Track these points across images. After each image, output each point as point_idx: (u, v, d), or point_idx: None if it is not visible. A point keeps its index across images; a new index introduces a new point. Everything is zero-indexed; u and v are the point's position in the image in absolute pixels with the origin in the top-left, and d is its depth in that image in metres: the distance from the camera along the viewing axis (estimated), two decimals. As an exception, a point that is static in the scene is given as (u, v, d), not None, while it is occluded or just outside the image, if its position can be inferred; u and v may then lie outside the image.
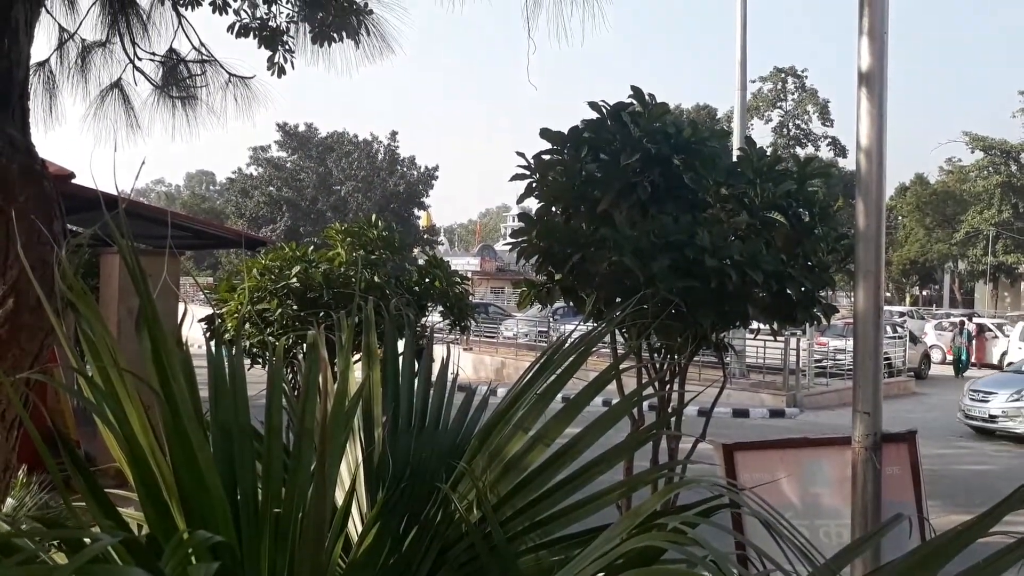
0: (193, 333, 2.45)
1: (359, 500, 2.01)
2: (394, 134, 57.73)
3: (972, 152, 52.80)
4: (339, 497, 1.88)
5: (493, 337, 27.92)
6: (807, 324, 4.73)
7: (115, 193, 2.01)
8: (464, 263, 51.85)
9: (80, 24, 7.30)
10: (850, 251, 4.39)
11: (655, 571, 1.43)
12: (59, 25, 7.43)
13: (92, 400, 1.70)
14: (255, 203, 56.39)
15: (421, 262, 9.21)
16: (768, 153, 4.77)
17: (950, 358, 29.56)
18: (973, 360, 28.66)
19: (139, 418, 1.67)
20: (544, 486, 1.99)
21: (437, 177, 58.40)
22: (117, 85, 7.85)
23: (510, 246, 5.09)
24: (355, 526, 1.95)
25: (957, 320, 31.13)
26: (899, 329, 26.21)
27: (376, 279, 7.71)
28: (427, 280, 8.57)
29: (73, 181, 8.42)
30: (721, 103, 61.76)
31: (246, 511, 1.68)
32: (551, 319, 25.94)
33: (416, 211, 58.77)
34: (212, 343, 2.04)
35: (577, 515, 1.96)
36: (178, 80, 7.97)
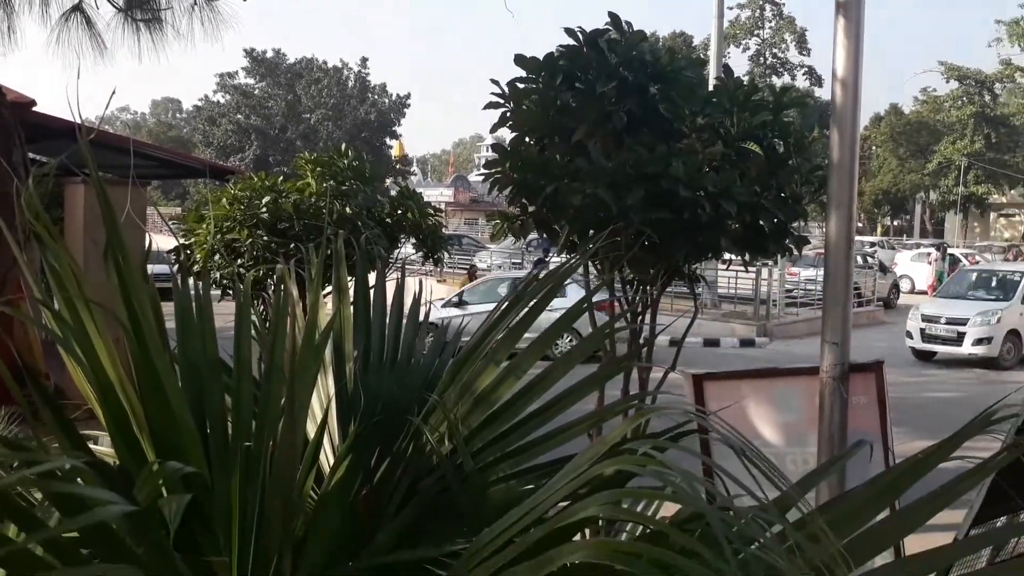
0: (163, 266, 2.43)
1: (331, 434, 2.02)
2: (364, 61, 56.73)
3: (947, 82, 52.83)
4: (311, 431, 1.88)
5: (467, 269, 27.92)
6: (779, 255, 4.76)
7: (78, 121, 1.95)
8: (437, 194, 51.48)
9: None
10: (824, 183, 4.39)
11: (620, 493, 1.45)
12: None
13: (58, 333, 1.67)
14: (223, 131, 55.39)
15: (393, 193, 9.11)
16: (745, 83, 4.72)
17: (921, 288, 30.24)
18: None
19: (107, 351, 1.65)
20: (515, 418, 2.00)
21: (409, 105, 57.67)
22: (79, 8, 7.60)
23: (483, 177, 5.04)
24: (327, 459, 1.95)
25: (940, 249, 31.76)
26: (869, 259, 26.56)
27: (347, 211, 7.63)
28: (399, 212, 8.50)
29: (34, 109, 8.19)
30: (698, 31, 61.09)
31: (216, 444, 1.67)
32: (525, 250, 25.97)
33: (388, 140, 58.06)
34: (179, 276, 2.01)
35: (547, 446, 1.98)
36: (142, 2, 7.72)
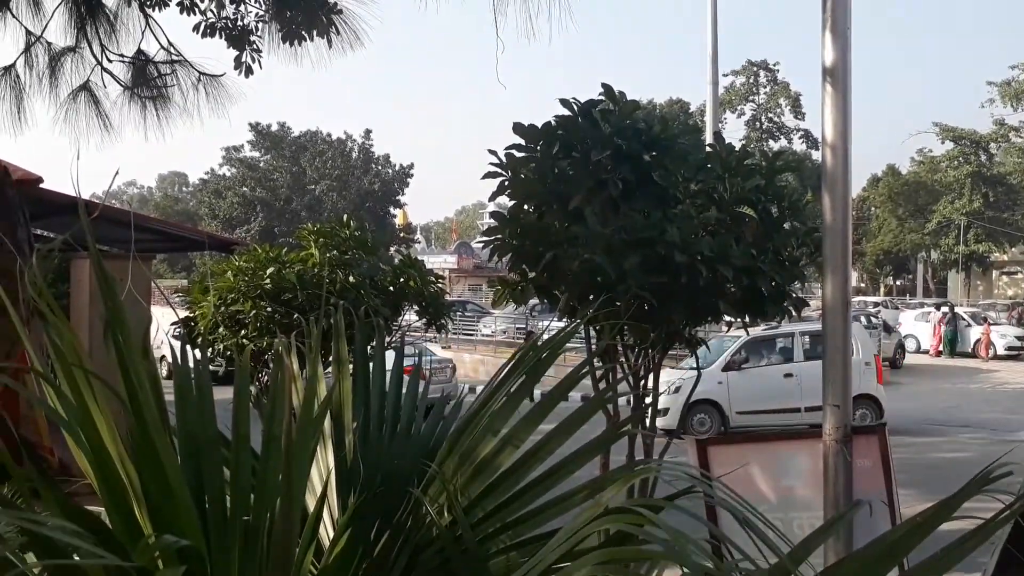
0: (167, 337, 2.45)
1: (330, 506, 2.01)
2: (368, 132, 57.45)
3: (943, 143, 53.42)
4: (310, 504, 1.88)
5: (472, 335, 27.96)
6: (778, 318, 4.77)
7: (85, 197, 2.00)
8: (441, 261, 51.71)
9: (45, 27, 7.22)
10: (820, 244, 4.43)
11: (613, 552, 1.44)
12: (25, 29, 7.34)
13: (59, 409, 1.69)
14: (228, 204, 55.95)
15: (396, 261, 9.17)
16: (737, 148, 4.80)
17: (925, 347, 30.05)
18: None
19: (107, 427, 1.66)
20: (515, 487, 1.99)
21: (412, 175, 58.26)
22: (86, 87, 7.77)
23: (482, 244, 5.10)
24: (327, 532, 1.94)
25: (946, 309, 31.54)
26: (873, 319, 26.52)
27: (350, 280, 7.68)
28: (402, 280, 8.54)
29: (42, 186, 8.31)
30: (694, 97, 61.98)
31: (214, 519, 1.67)
32: (529, 316, 25.98)
33: (392, 209, 58.59)
34: (178, 350, 2.02)
35: (548, 514, 1.97)
36: (147, 80, 7.90)
